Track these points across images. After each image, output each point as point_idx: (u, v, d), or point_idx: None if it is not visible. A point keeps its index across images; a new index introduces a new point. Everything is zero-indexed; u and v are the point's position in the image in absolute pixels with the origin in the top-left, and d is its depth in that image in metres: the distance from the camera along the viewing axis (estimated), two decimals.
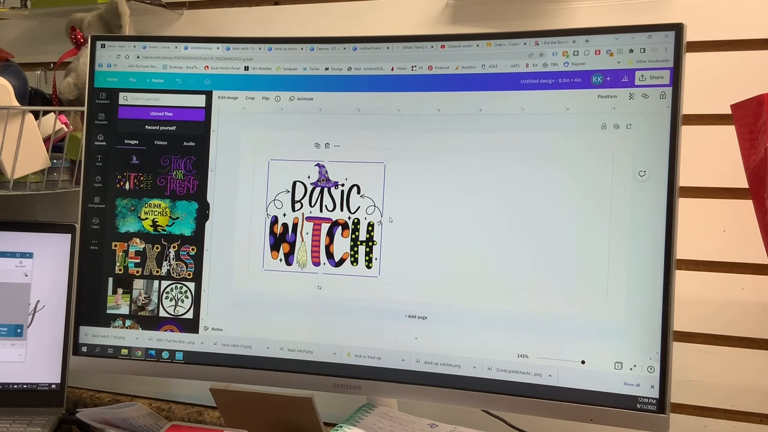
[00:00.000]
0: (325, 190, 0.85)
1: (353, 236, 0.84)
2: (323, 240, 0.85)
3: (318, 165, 0.85)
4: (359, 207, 0.84)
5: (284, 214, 0.86)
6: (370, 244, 0.83)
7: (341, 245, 0.84)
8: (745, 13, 0.88)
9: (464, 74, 0.80)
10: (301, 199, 0.85)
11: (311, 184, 0.85)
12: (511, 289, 0.78)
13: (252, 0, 1.09)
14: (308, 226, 0.85)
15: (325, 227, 0.85)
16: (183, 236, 0.88)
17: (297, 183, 0.86)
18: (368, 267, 0.83)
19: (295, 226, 0.86)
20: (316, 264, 0.85)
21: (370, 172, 0.83)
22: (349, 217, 0.84)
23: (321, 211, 0.85)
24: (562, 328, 0.77)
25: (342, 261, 0.84)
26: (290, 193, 0.86)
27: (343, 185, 0.84)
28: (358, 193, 0.84)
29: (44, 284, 1.03)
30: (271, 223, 0.86)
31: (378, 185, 0.83)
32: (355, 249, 0.84)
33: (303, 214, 0.85)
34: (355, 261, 0.84)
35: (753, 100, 0.74)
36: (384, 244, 0.83)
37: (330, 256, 0.85)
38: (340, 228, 0.84)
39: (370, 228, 0.83)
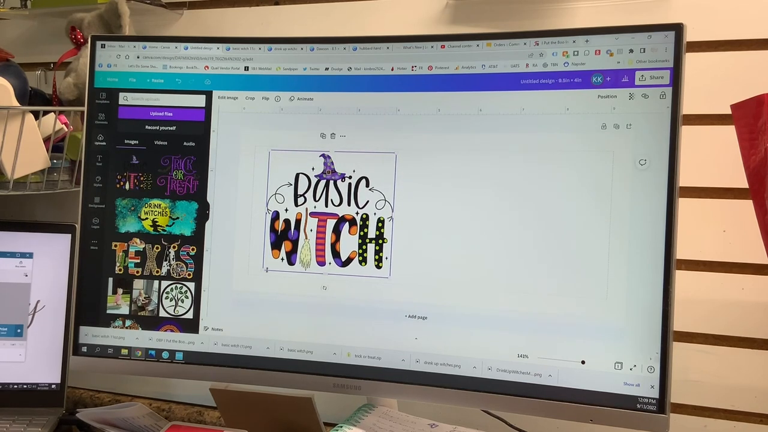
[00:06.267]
0: (331, 182, 0.82)
1: (361, 233, 0.81)
2: (329, 237, 0.82)
3: (323, 155, 0.82)
4: (368, 201, 0.81)
5: (286, 209, 0.84)
6: (380, 242, 0.81)
7: (348, 243, 0.82)
8: (745, 13, 0.88)
9: (464, 74, 0.80)
10: (305, 192, 0.83)
11: (316, 176, 0.83)
12: (511, 289, 0.78)
13: (252, 0, 1.09)
14: (312, 222, 0.83)
15: (331, 223, 0.82)
16: (183, 236, 0.88)
17: (300, 175, 0.83)
18: (378, 267, 0.81)
19: (298, 222, 0.84)
20: (321, 264, 0.83)
21: (379, 163, 0.81)
22: (357, 213, 0.82)
23: (326, 205, 0.83)
24: (562, 328, 0.77)
25: (349, 260, 0.82)
26: (293, 186, 0.84)
27: (350, 177, 0.82)
28: (367, 186, 0.81)
29: (44, 284, 1.03)
30: (271, 219, 0.85)
31: (389, 177, 0.80)
32: (364, 247, 0.81)
33: (307, 209, 0.83)
34: (363, 260, 0.82)
35: (753, 100, 0.74)
36: (395, 242, 0.80)
37: (336, 254, 0.83)
38: (347, 224, 0.82)
39: (379, 224, 0.81)
